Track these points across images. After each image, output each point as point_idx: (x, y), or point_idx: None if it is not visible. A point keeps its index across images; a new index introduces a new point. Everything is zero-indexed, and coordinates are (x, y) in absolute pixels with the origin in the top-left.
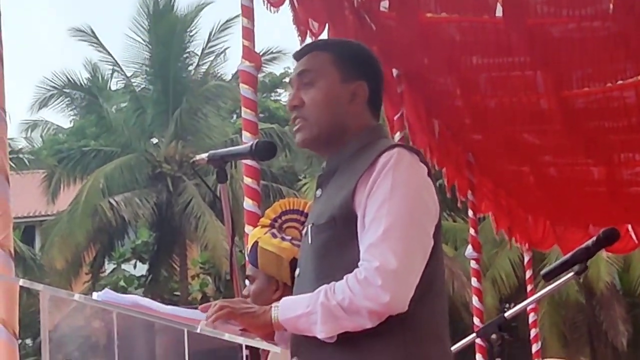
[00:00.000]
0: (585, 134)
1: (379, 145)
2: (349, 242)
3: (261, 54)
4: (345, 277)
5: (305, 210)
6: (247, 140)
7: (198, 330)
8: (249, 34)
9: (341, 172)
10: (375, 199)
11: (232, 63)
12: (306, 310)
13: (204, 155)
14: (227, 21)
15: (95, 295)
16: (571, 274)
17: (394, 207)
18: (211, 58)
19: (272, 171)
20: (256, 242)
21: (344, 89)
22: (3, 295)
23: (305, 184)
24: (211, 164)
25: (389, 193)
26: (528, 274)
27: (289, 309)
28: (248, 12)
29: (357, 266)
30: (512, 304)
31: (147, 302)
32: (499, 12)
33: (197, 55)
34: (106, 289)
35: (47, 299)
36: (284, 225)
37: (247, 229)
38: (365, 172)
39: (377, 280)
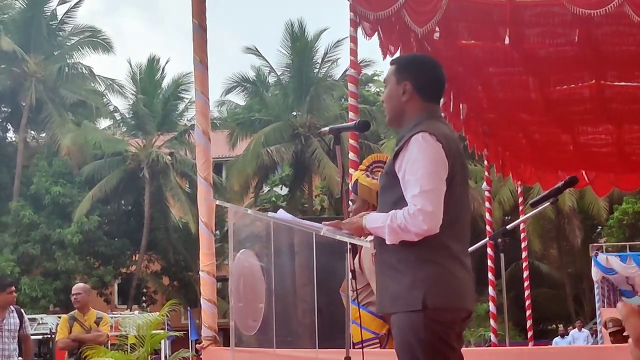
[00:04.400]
0: (558, 114)
1: (420, 127)
2: (393, 188)
3: (359, 63)
4: (403, 209)
5: (386, 162)
6: (352, 117)
7: (322, 233)
8: (354, 53)
9: (401, 141)
10: (414, 167)
11: (341, 67)
12: (381, 225)
13: (326, 129)
14: (337, 41)
15: (269, 213)
16: (547, 203)
17: (426, 171)
18: (328, 64)
19: (364, 133)
20: (357, 180)
21: (397, 88)
22: (206, 209)
23: (384, 142)
24: (331, 134)
25: (421, 162)
26: (520, 199)
27: (372, 221)
28: (353, 39)
29: (399, 203)
30: (511, 217)
31: (298, 220)
32: (507, 41)
33: (318, 63)
34: (280, 210)
35: (233, 213)
36: (374, 170)
37: (351, 170)
38: (403, 147)
39: (419, 217)
